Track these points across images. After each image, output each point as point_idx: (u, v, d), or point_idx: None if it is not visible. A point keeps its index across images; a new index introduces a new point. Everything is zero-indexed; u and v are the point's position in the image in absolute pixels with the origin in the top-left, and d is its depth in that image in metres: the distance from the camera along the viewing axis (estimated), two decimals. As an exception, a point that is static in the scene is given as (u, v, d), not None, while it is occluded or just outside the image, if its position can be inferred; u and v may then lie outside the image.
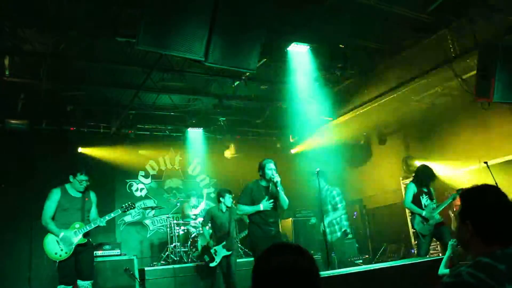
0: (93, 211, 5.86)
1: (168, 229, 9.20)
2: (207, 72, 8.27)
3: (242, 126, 11.45)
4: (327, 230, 6.81)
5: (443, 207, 6.83)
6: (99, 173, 9.83)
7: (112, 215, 5.82)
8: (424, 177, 6.94)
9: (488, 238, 1.86)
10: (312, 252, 9.46)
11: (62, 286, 5.49)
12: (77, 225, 5.57)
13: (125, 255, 7.86)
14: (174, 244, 8.92)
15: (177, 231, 9.10)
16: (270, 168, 5.80)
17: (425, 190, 6.92)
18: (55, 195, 5.64)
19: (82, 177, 5.66)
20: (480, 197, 1.92)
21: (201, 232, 8.27)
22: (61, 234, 5.48)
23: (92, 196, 5.92)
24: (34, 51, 6.95)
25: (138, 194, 10.68)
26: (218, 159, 11.50)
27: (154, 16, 4.60)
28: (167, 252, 8.88)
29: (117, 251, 7.72)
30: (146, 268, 7.93)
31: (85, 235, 5.64)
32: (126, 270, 7.41)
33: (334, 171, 8.99)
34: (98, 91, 9.03)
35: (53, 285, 5.77)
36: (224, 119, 10.77)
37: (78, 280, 5.61)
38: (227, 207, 7.49)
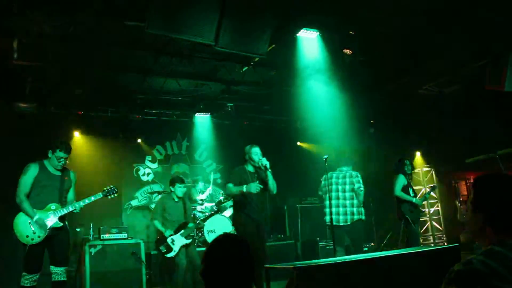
0: (71, 192, 5.33)
1: (175, 214, 9.20)
2: (215, 57, 8.22)
3: (250, 112, 11.41)
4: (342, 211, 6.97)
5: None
6: (106, 157, 9.96)
7: (93, 198, 5.22)
8: (409, 169, 7.37)
9: (499, 228, 1.84)
10: (317, 238, 9.51)
11: (25, 274, 4.88)
12: (53, 207, 5.02)
13: (132, 238, 7.92)
14: (180, 228, 8.94)
15: (184, 216, 9.12)
16: (256, 153, 5.79)
17: (410, 182, 7.38)
18: (32, 170, 5.04)
19: (61, 154, 5.08)
20: (492, 186, 1.89)
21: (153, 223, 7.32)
22: (36, 216, 4.90)
23: (72, 176, 5.37)
24: (43, 34, 6.94)
25: (145, 178, 10.72)
26: (225, 145, 11.48)
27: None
28: (173, 237, 8.91)
29: (124, 235, 7.77)
30: (152, 252, 7.99)
31: (61, 218, 5.08)
32: (133, 254, 7.46)
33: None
34: (106, 75, 9.01)
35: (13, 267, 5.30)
36: (232, 104, 10.73)
37: (51, 266, 5.10)
38: (178, 196, 7.16)
